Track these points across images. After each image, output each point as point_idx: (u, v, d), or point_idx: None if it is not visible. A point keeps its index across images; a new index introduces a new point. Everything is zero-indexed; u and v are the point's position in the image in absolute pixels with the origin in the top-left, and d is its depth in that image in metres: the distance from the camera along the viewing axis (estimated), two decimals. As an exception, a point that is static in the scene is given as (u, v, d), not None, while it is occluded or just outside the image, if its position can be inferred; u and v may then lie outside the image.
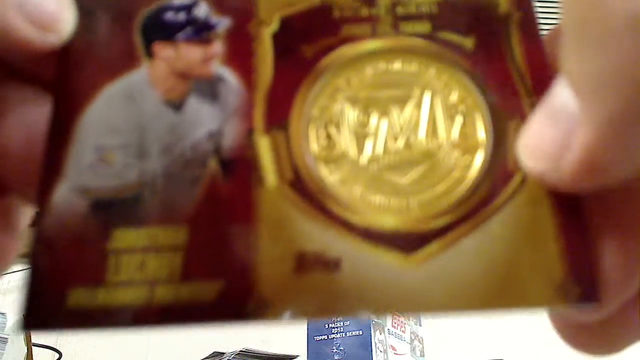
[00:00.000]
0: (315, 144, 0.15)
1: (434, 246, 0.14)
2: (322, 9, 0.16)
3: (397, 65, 0.15)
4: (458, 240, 0.14)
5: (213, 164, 0.14)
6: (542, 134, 0.13)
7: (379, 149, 0.15)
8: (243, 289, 0.13)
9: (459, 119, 0.15)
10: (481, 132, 0.15)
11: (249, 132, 0.14)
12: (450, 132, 0.15)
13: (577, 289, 0.13)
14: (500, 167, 0.14)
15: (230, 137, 0.14)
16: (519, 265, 0.13)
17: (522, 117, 0.15)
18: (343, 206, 0.14)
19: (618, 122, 0.11)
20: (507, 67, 0.15)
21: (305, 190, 0.14)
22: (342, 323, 0.66)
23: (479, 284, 0.13)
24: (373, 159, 0.15)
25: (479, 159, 0.15)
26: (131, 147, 0.14)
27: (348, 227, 0.14)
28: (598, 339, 0.14)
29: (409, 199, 0.14)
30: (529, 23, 0.16)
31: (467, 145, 0.15)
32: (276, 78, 0.15)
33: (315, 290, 0.13)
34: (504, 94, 0.15)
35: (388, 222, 0.14)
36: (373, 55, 0.15)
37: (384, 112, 0.15)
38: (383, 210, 0.14)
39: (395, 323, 0.72)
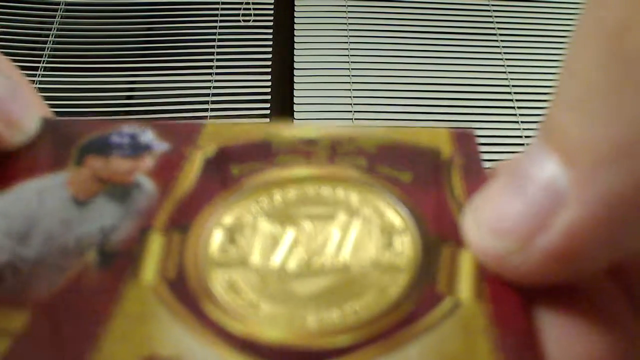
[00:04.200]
0: (214, 248, 0.13)
1: None
2: (262, 143, 0.16)
3: (325, 190, 0.14)
4: None
5: (91, 255, 0.12)
6: (508, 209, 0.11)
7: (285, 258, 0.12)
8: None
9: (384, 240, 0.13)
10: (408, 253, 0.12)
11: (145, 229, 0.13)
12: (372, 251, 0.13)
13: None
14: (428, 290, 0.12)
15: (123, 233, 0.13)
16: None
17: (459, 244, 0.12)
18: (224, 311, 0.11)
19: (620, 203, 0.09)
20: (445, 198, 0.13)
21: (183, 291, 0.12)
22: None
23: None
24: (275, 267, 0.12)
25: (402, 279, 0.12)
26: (14, 232, 0.13)
27: (223, 334, 0.11)
28: None
29: (307, 312, 0.11)
30: (471, 167, 0.14)
31: (390, 266, 0.12)
32: (195, 189, 0.14)
33: None
34: (440, 222, 0.13)
35: (274, 334, 0.11)
36: (302, 179, 0.14)
37: (301, 229, 0.13)
38: (272, 321, 0.11)
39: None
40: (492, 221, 0.11)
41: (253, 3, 1.49)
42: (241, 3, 1.50)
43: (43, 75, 1.39)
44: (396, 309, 0.11)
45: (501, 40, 1.48)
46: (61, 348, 0.11)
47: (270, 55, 1.44)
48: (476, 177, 0.14)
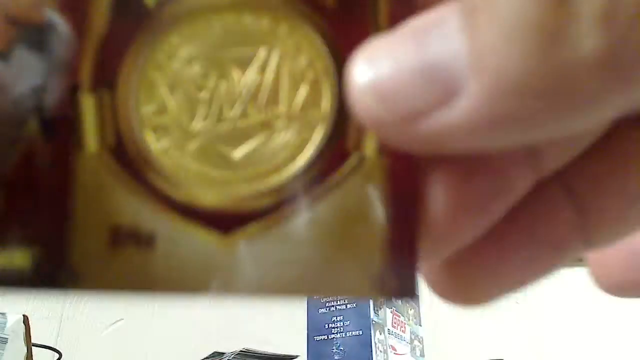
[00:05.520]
0: (145, 107, 0.14)
1: (252, 227, 0.13)
2: None
3: (246, 19, 0.14)
4: (279, 222, 0.13)
5: (34, 124, 0.13)
6: (399, 75, 0.11)
7: (213, 116, 0.14)
8: (55, 259, 0.13)
9: (303, 88, 0.14)
10: (326, 104, 0.14)
11: (74, 89, 0.13)
12: (292, 101, 0.14)
13: (393, 283, 0.13)
14: (339, 145, 0.13)
15: (54, 94, 0.13)
16: (340, 251, 0.13)
17: None
18: (164, 178, 0.13)
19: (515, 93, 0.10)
20: (368, 32, 0.13)
21: (126, 158, 0.13)
22: (342, 323, 0.67)
23: (296, 269, 0.13)
24: (205, 127, 0.14)
25: (317, 135, 0.13)
26: None
27: (166, 201, 0.13)
28: (457, 283, 0.14)
29: (237, 174, 0.13)
30: None
31: (308, 118, 0.14)
32: (111, 28, 0.14)
33: (128, 266, 0.13)
34: None
35: (209, 198, 0.13)
36: (222, 6, 0.14)
37: (224, 75, 0.14)
38: (207, 185, 0.13)
39: (395, 323, 0.72)
40: (378, 80, 0.11)
41: None
42: None
43: None
44: (309, 168, 0.13)
45: None
46: (43, 223, 0.13)
47: None
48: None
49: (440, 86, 0.11)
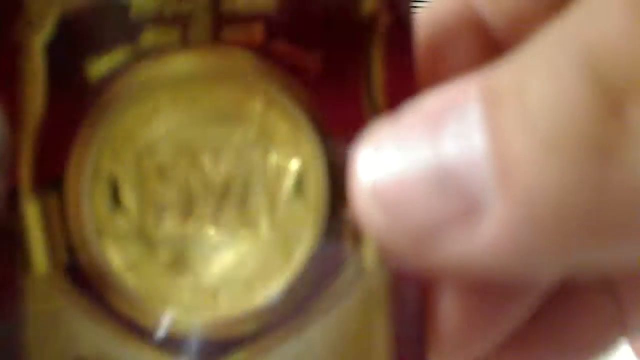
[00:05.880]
0: (101, 210, 0.11)
1: (237, 357, 0.11)
2: (116, 6, 0.11)
3: (217, 92, 0.11)
4: (267, 352, 0.11)
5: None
6: (409, 179, 0.09)
7: (183, 219, 0.11)
8: None
9: (288, 179, 0.11)
10: (316, 194, 0.11)
11: (12, 194, 0.11)
12: (275, 198, 0.11)
13: None
14: (333, 251, 0.11)
15: None
16: None
17: None
18: (129, 302, 0.11)
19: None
20: (360, 103, 0.11)
21: (82, 278, 0.11)
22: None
23: None
24: (174, 233, 0.11)
25: (306, 239, 0.11)
26: None
27: (133, 329, 0.11)
28: None
29: (218, 294, 0.11)
30: (399, 33, 0.11)
31: (295, 219, 0.11)
32: (50, 111, 0.11)
33: None
34: (349, 140, 0.10)
35: (184, 325, 0.11)
36: (185, 78, 0.11)
37: (194, 163, 0.11)
38: (180, 309, 0.11)
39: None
40: (383, 183, 0.09)
41: None
42: None
43: None
44: (302, 280, 0.11)
45: None
46: None
47: None
48: (403, 58, 0.11)
49: (459, 199, 0.08)
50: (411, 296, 0.11)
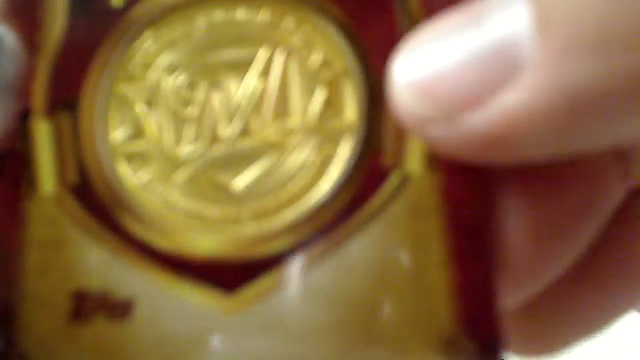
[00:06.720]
0: (116, 131, 0.10)
1: (264, 282, 0.10)
2: None
3: (239, 14, 0.11)
4: (300, 274, 0.10)
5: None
6: (447, 63, 0.09)
7: (205, 138, 0.10)
8: (2, 340, 0.09)
9: (320, 92, 0.10)
10: (350, 110, 0.10)
11: (24, 115, 0.10)
12: (307, 110, 0.10)
13: (471, 345, 0.09)
14: (373, 162, 0.10)
15: (0, 124, 0.10)
16: (388, 308, 0.09)
17: None
18: (143, 222, 0.10)
19: (584, 99, 0.07)
20: (393, 16, 0.10)
21: (93, 199, 0.10)
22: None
23: (327, 337, 0.09)
24: (195, 152, 0.10)
25: (344, 149, 0.10)
26: None
27: (147, 253, 0.10)
28: (525, 333, 0.12)
29: (240, 210, 0.10)
30: None
31: (329, 130, 0.10)
32: (69, 36, 0.11)
33: (94, 345, 0.09)
34: (385, 56, 0.10)
35: (205, 245, 0.10)
36: (205, 2, 0.11)
37: (216, 84, 0.10)
38: (201, 228, 0.10)
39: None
40: (422, 75, 0.09)
41: None
42: None
43: None
44: (338, 194, 0.10)
45: None
46: None
47: None
48: None
49: (499, 65, 0.08)
50: (467, 204, 0.10)
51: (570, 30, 0.07)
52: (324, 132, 0.10)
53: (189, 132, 0.10)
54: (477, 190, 0.10)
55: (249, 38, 0.11)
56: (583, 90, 0.07)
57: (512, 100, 0.08)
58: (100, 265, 0.10)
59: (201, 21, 0.11)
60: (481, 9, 0.08)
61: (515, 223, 0.10)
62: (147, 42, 0.11)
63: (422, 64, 0.09)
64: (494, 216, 0.10)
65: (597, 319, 0.12)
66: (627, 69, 0.07)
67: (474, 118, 0.08)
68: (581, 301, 0.12)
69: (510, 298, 0.10)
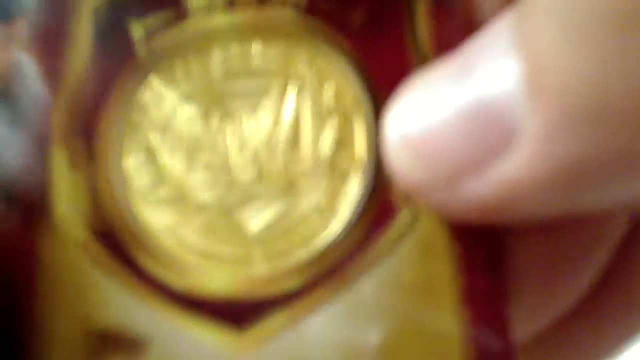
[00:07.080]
0: (137, 179, 0.10)
1: (276, 319, 0.10)
2: None
3: (255, 47, 0.11)
4: (313, 309, 0.10)
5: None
6: (441, 125, 0.08)
7: (222, 183, 0.10)
8: None
9: (331, 126, 0.10)
10: (360, 145, 0.10)
11: (41, 146, 0.10)
12: (318, 146, 0.10)
13: None
14: (382, 199, 0.10)
15: (17, 154, 0.11)
16: (400, 347, 0.09)
17: None
18: (160, 262, 0.10)
19: (582, 168, 0.07)
20: (404, 50, 0.10)
21: (113, 238, 0.10)
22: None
23: None
24: (213, 196, 0.10)
25: (353, 187, 0.10)
26: None
27: (165, 293, 0.10)
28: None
29: (254, 251, 0.10)
30: None
31: (339, 167, 0.10)
32: (91, 67, 0.11)
33: None
34: (396, 90, 0.10)
35: (219, 283, 0.10)
36: (224, 34, 0.11)
37: (229, 115, 0.11)
38: (216, 267, 0.10)
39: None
40: (413, 130, 0.09)
41: None
42: None
43: None
44: (348, 232, 0.10)
45: None
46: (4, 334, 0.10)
47: None
48: (449, 10, 0.11)
49: (491, 130, 0.08)
50: (480, 242, 0.10)
51: (565, 100, 0.07)
52: (334, 169, 0.10)
53: (207, 175, 0.10)
54: (489, 226, 0.10)
55: (262, 71, 0.11)
56: (581, 162, 0.07)
57: (510, 170, 0.08)
58: (118, 303, 0.10)
59: (217, 54, 0.11)
60: (473, 56, 0.08)
61: (526, 256, 0.10)
62: (162, 71, 0.11)
63: (412, 118, 0.09)
64: (507, 251, 0.10)
65: (607, 348, 0.12)
66: (625, 144, 0.07)
67: (473, 186, 0.08)
68: (591, 332, 0.12)
69: (521, 333, 0.10)
